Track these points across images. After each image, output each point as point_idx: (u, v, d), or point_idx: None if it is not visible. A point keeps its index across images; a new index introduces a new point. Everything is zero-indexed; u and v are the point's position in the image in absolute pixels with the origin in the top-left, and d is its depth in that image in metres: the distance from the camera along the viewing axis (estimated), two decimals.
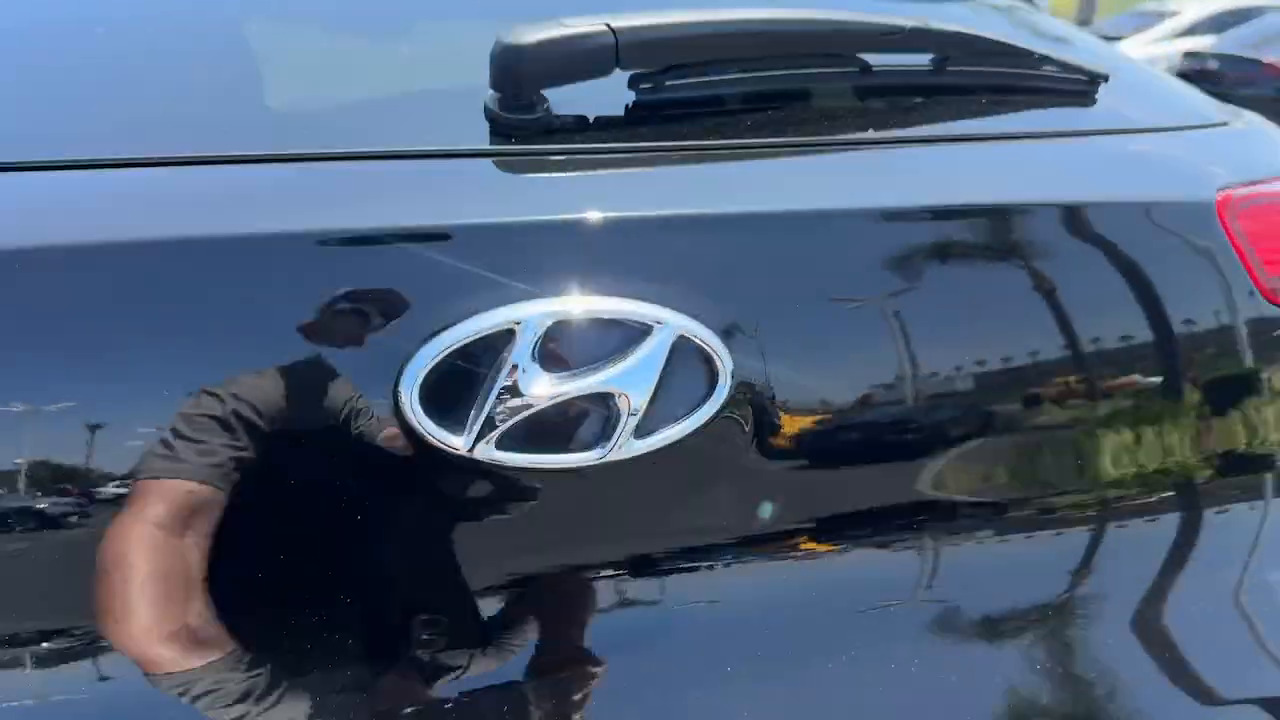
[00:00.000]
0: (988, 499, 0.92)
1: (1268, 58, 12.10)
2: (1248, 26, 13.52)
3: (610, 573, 0.81)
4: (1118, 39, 14.80)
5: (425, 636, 0.78)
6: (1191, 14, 14.92)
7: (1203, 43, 13.68)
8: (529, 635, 0.79)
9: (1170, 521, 0.96)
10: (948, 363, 0.86)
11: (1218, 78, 13.00)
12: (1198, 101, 1.30)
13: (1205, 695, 0.86)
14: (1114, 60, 1.29)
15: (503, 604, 0.80)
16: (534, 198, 0.85)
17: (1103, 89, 1.10)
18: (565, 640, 0.79)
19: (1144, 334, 0.90)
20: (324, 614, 0.76)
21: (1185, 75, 13.16)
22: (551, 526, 0.79)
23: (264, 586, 0.75)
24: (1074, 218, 0.91)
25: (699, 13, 0.91)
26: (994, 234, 0.91)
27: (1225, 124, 1.20)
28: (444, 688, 0.76)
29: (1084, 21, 19.87)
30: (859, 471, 0.87)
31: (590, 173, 0.89)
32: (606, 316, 0.75)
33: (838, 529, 0.87)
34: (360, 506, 0.74)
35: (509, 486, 0.77)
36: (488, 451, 0.72)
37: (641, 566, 0.83)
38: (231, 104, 0.96)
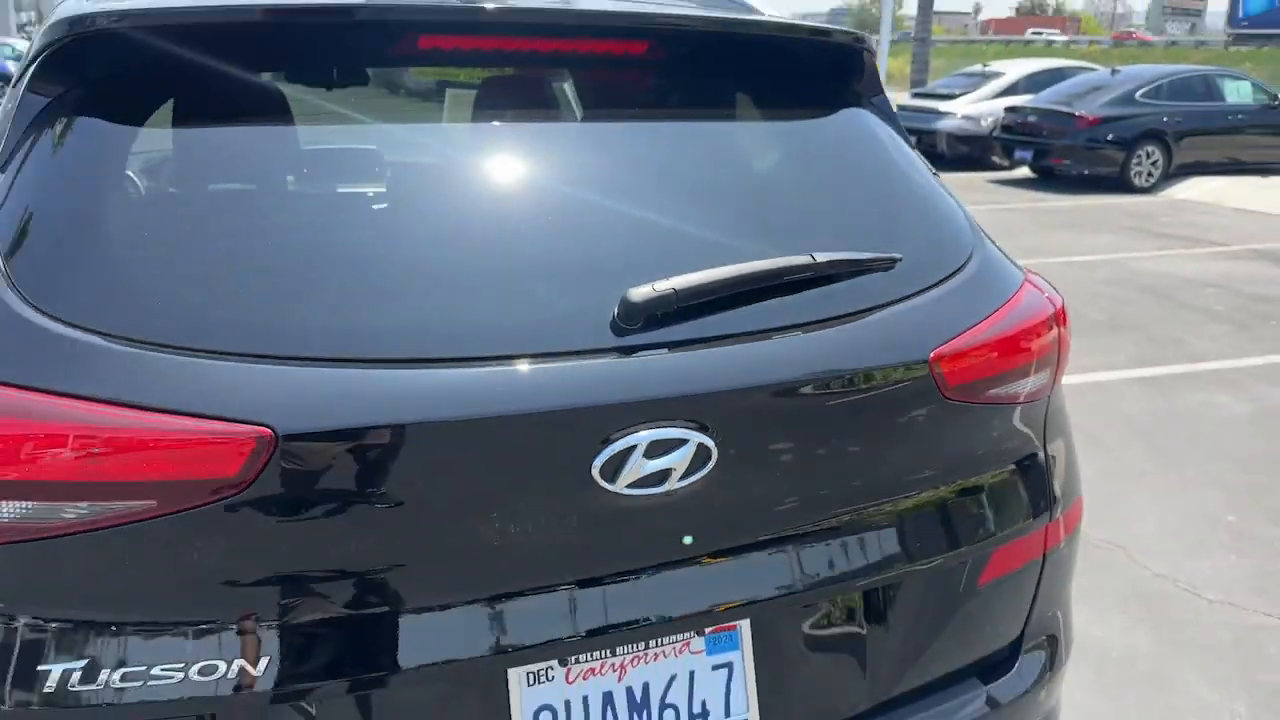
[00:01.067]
0: None
1: (1079, 111, 13.31)
2: (1062, 84, 14.89)
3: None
4: (950, 97, 15.99)
5: None
6: (1013, 74, 16.20)
7: (1023, 99, 14.91)
8: None
9: None
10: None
11: (1035, 129, 14.25)
12: (954, 243, 1.66)
13: None
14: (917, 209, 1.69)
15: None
16: None
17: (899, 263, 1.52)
18: None
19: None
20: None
21: (1008, 127, 14.40)
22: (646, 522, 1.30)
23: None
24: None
25: None
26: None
27: (961, 269, 1.60)
28: None
29: (918, 82, 21.24)
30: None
31: None
32: (670, 437, 1.25)
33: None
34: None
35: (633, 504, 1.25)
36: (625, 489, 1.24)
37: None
38: None
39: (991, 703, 1.57)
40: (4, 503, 1.09)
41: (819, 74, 1.73)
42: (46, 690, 1.11)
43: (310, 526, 1.17)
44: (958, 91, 16.24)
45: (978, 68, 17.77)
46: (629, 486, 1.23)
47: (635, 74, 1.62)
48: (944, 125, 15.64)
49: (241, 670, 1.15)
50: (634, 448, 1.22)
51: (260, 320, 1.20)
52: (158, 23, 1.32)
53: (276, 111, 1.40)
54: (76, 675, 1.11)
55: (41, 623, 1.12)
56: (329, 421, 1.14)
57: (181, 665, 1.13)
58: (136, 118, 1.34)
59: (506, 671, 1.27)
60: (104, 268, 1.20)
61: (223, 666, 1.14)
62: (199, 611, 1.15)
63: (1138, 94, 13.38)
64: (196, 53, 1.33)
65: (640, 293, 1.27)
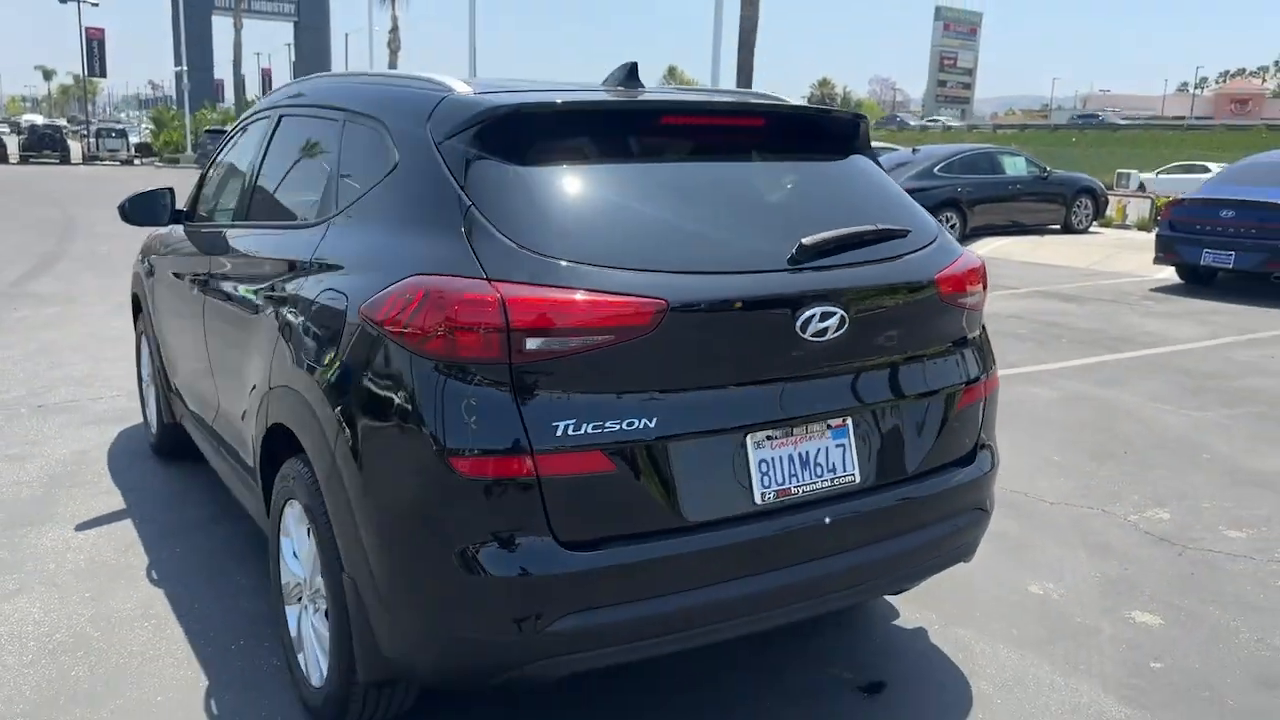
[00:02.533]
0: None
1: None
2: None
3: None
4: None
5: None
6: (939, 156, 18.27)
7: None
8: None
9: None
10: None
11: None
12: (927, 226, 2.89)
13: None
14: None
15: None
16: None
17: None
18: None
19: None
20: None
21: None
22: (814, 355, 2.48)
23: None
24: None
25: None
26: None
27: (934, 240, 2.87)
28: None
29: None
30: None
31: None
32: (829, 310, 2.48)
33: None
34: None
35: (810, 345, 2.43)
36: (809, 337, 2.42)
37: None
38: None
39: (964, 477, 2.79)
40: (569, 338, 2.17)
41: (840, 136, 2.97)
42: (559, 436, 2.17)
43: (680, 348, 2.29)
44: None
45: (906, 152, 19.53)
46: (810, 336, 2.40)
47: (756, 135, 2.83)
48: None
49: (644, 425, 2.23)
50: (813, 315, 2.39)
51: (653, 254, 2.34)
52: (540, 109, 2.48)
53: (624, 151, 2.57)
54: (569, 426, 2.17)
55: (563, 395, 2.19)
56: (688, 297, 2.27)
57: (616, 420, 2.21)
58: (541, 157, 2.43)
59: (745, 437, 2.39)
60: (579, 230, 2.36)
61: (638, 422, 2.22)
62: (630, 388, 2.25)
63: (936, 169, 15.66)
64: (562, 122, 2.47)
65: (808, 240, 2.45)
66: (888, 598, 3.44)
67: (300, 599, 2.81)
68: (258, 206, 3.56)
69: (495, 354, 2.15)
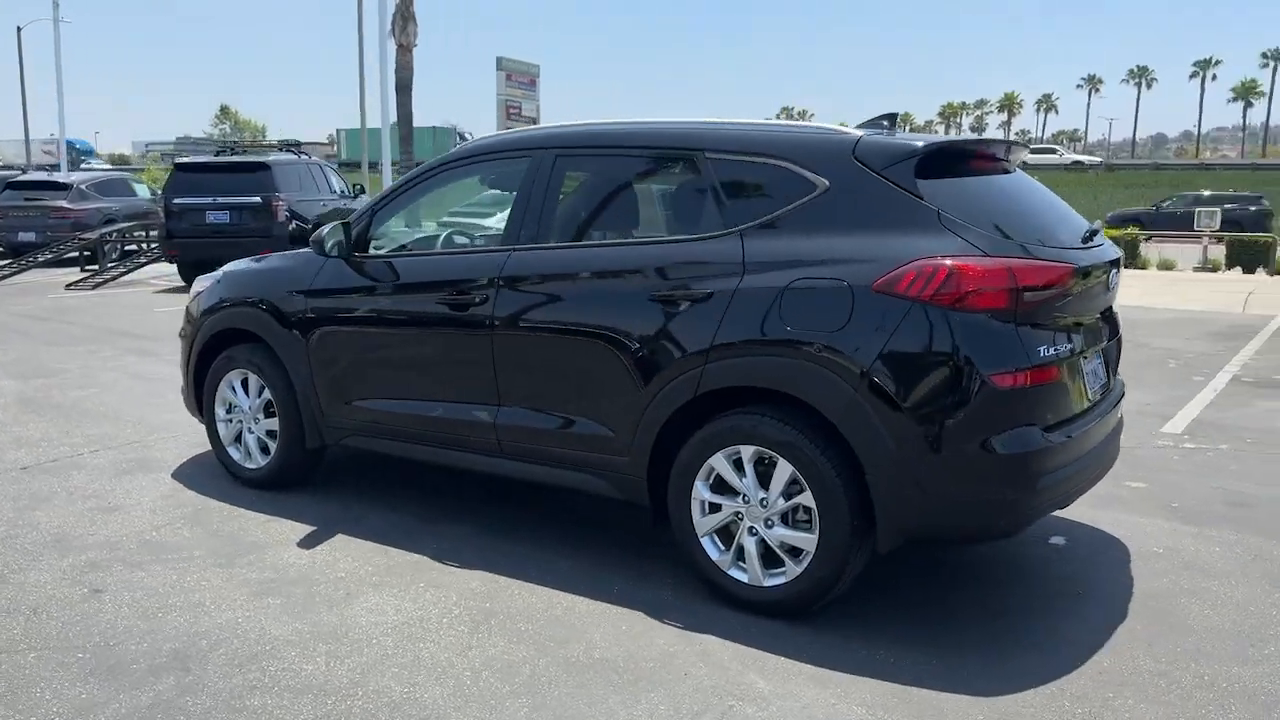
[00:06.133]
0: None
1: None
2: None
3: None
4: None
5: None
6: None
7: None
8: None
9: None
10: None
11: None
12: None
13: None
14: None
15: None
16: None
17: None
18: None
19: None
20: None
21: None
22: (1100, 298, 3.82)
23: None
24: None
25: None
26: None
27: None
28: None
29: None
30: None
31: None
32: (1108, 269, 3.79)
33: None
34: None
35: (1100, 292, 3.76)
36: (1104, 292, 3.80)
37: None
38: None
39: (1121, 389, 4.16)
40: (1041, 291, 3.29)
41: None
42: (1040, 357, 3.30)
43: (1075, 297, 3.45)
44: (495, 210, 19.21)
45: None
46: (1104, 289, 3.58)
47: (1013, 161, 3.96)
48: None
49: (1067, 348, 3.44)
50: (1113, 274, 3.56)
51: (1041, 236, 3.47)
52: (942, 146, 3.52)
53: (974, 171, 3.68)
54: (1043, 349, 3.31)
55: (1035, 329, 3.32)
56: (1079, 263, 3.45)
57: (1056, 345, 3.34)
58: (945, 175, 3.47)
59: (1080, 358, 3.47)
60: (1000, 220, 3.42)
61: (1064, 346, 3.40)
62: (1057, 322, 3.41)
63: None
64: (945, 154, 3.53)
65: (1086, 228, 3.64)
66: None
67: (742, 525, 3.52)
68: (569, 230, 4.12)
69: (1005, 304, 3.20)
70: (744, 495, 3.52)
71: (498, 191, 5.61)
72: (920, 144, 3.46)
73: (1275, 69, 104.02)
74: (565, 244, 4.09)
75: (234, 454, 5.04)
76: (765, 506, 3.47)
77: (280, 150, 16.25)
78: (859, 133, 3.63)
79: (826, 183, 3.48)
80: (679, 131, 3.94)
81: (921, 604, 3.68)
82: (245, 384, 4.97)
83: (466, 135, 53.00)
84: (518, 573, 3.92)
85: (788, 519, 3.45)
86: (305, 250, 4.88)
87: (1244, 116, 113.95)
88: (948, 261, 3.20)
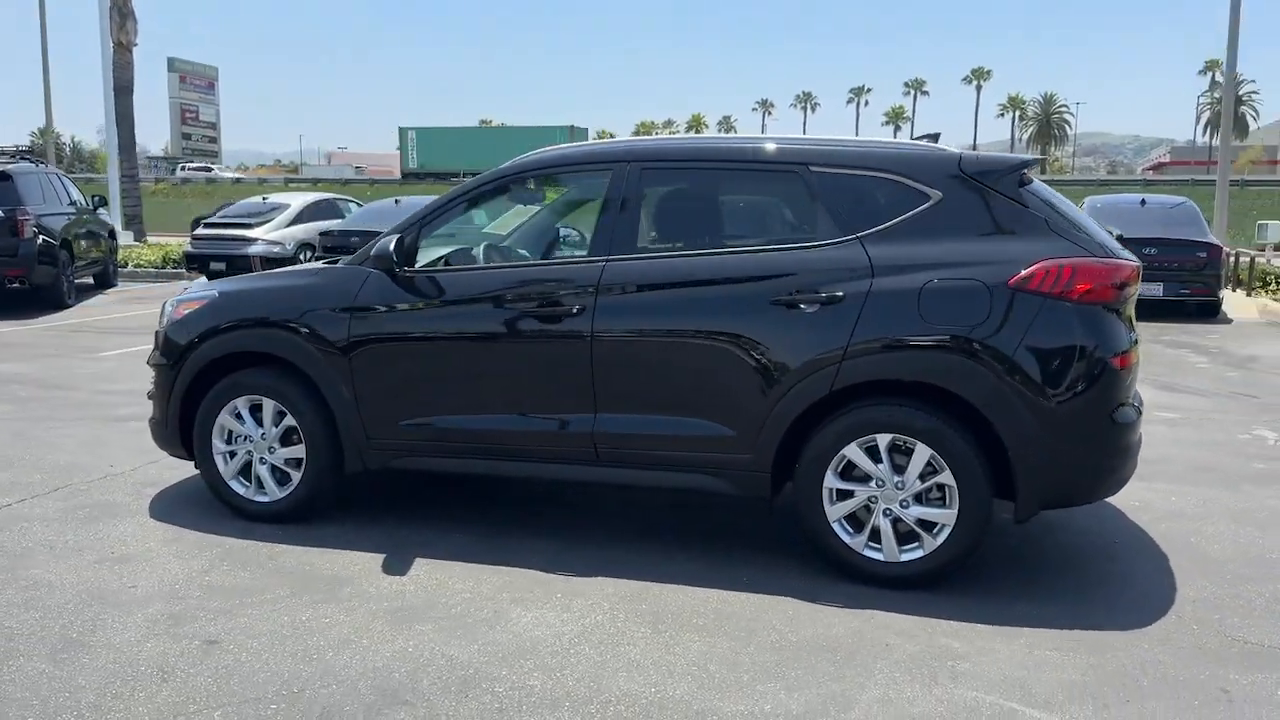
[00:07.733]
0: None
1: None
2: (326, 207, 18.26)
3: None
4: (247, 225, 17.62)
5: None
6: (296, 204, 18.58)
7: (318, 225, 17.54)
8: None
9: None
10: None
11: (354, 246, 16.87)
12: None
13: None
14: None
15: None
16: None
17: None
18: None
19: None
20: None
21: (329, 249, 16.75)
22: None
23: None
24: None
25: None
26: None
27: None
28: None
29: (133, 217, 22.75)
30: None
31: None
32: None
33: None
34: None
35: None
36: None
37: None
38: None
39: None
40: (1127, 286, 3.83)
41: None
42: (1129, 343, 3.84)
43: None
44: (253, 221, 18.03)
45: (258, 200, 19.64)
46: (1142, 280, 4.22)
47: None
48: (255, 250, 17.34)
49: (1131, 337, 3.88)
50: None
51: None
52: (1026, 162, 3.93)
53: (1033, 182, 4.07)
54: (1130, 338, 3.85)
55: (1122, 319, 3.82)
56: (1136, 263, 3.86)
57: (1128, 335, 3.84)
58: (1028, 187, 3.89)
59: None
60: (1080, 225, 3.96)
61: (1130, 336, 3.86)
62: (1125, 314, 3.91)
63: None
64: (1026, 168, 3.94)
65: (1126, 235, 4.36)
66: None
67: (876, 508, 3.82)
68: (668, 240, 4.34)
69: (1111, 297, 3.77)
70: (877, 480, 3.81)
71: (483, 210, 5.52)
72: (1018, 160, 3.98)
73: (915, 96, 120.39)
74: (668, 253, 4.22)
75: (237, 488, 4.62)
76: (901, 489, 3.79)
77: (14, 158, 14.29)
78: (956, 150, 4.10)
79: (939, 194, 3.90)
80: (783, 147, 4.19)
81: (1003, 571, 4.15)
82: (255, 411, 4.59)
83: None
84: (640, 575, 3.98)
85: (921, 498, 3.80)
86: (327, 265, 4.59)
87: (894, 135, 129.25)
88: (1071, 261, 3.71)
